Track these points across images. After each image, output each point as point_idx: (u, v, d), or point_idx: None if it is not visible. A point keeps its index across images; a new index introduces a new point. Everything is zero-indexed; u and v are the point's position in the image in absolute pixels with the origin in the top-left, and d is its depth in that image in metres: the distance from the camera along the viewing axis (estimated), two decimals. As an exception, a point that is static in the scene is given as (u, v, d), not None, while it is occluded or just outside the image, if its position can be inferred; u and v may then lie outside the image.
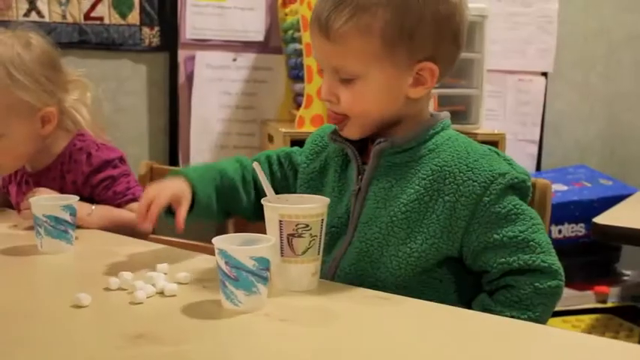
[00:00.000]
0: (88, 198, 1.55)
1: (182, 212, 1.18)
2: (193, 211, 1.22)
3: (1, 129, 1.51)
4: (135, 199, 1.56)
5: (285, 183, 1.30)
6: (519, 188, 1.13)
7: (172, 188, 1.20)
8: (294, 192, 1.28)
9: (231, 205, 1.29)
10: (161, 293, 1.06)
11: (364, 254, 1.15)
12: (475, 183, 1.10)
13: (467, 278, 1.16)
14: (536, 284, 1.09)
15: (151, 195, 1.18)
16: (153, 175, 2.12)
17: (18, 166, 1.62)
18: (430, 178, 1.13)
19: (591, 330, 2.60)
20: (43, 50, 1.54)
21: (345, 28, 1.09)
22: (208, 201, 1.23)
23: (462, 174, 1.12)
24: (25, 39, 1.53)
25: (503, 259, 1.10)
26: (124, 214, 1.54)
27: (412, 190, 1.14)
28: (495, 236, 1.10)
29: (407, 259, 1.13)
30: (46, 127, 1.56)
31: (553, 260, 1.10)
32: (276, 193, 1.16)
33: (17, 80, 1.48)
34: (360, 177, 1.19)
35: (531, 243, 1.10)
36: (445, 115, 1.21)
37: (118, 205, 1.55)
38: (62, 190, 1.52)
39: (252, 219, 1.30)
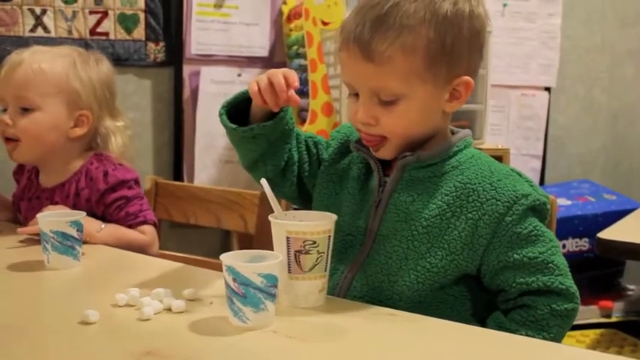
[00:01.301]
0: (100, 217, 1.55)
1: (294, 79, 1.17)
2: (276, 120, 1.21)
3: (39, 102, 1.56)
4: (146, 222, 1.58)
5: (309, 168, 1.29)
6: (540, 210, 1.14)
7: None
8: (314, 179, 1.28)
9: (284, 148, 1.27)
10: (168, 310, 1.06)
11: (382, 267, 1.16)
12: (499, 202, 1.11)
13: (482, 296, 1.17)
14: (553, 306, 1.10)
15: (280, 73, 1.16)
16: (157, 190, 2.13)
17: (30, 155, 1.61)
18: (453, 194, 1.14)
19: (596, 345, 2.59)
20: (108, 73, 1.67)
21: (391, 49, 1.09)
22: (290, 120, 1.24)
23: (485, 192, 1.13)
24: (98, 58, 1.67)
25: (522, 279, 1.11)
26: (134, 235, 1.55)
27: (434, 206, 1.14)
28: (515, 256, 1.11)
29: (425, 274, 1.13)
30: (76, 129, 1.60)
31: (570, 283, 1.12)
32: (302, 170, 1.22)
33: (78, 73, 1.60)
34: (380, 189, 1.19)
35: (550, 265, 1.11)
36: (467, 132, 1.22)
37: (129, 227, 1.56)
38: (75, 208, 1.52)
39: (286, 177, 1.29)
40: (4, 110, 1.58)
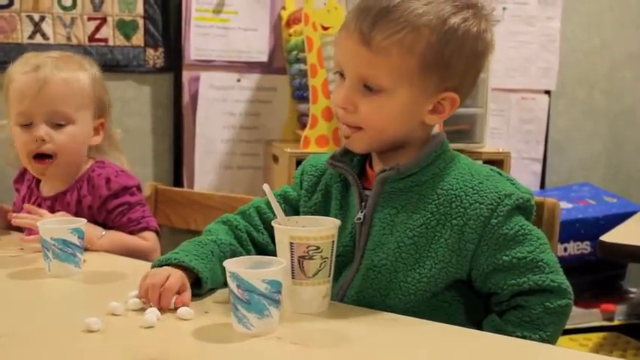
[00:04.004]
0: (101, 224, 1.55)
1: (187, 298, 1.11)
2: (201, 291, 1.15)
3: (74, 115, 1.56)
4: (148, 228, 1.57)
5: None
6: (524, 208, 1.14)
7: (177, 277, 1.11)
8: None
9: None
10: (171, 317, 1.05)
11: (372, 281, 1.15)
12: (482, 205, 1.11)
13: (475, 300, 1.16)
14: (547, 304, 1.09)
15: (158, 283, 1.10)
16: (158, 196, 2.12)
17: (63, 171, 1.59)
18: (436, 202, 1.13)
19: (599, 349, 2.58)
20: (101, 75, 1.67)
21: (389, 41, 1.09)
22: (214, 276, 1.17)
23: (468, 197, 1.12)
24: (91, 60, 1.67)
25: (513, 281, 1.10)
26: (135, 241, 1.54)
27: (419, 216, 1.13)
28: (504, 258, 1.10)
29: (416, 285, 1.12)
30: (95, 137, 1.62)
31: (562, 279, 1.11)
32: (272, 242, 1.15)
33: (97, 77, 1.62)
34: (362, 204, 1.18)
35: (540, 263, 1.10)
36: (442, 136, 1.20)
37: (131, 233, 1.56)
38: (77, 216, 1.51)
39: None
40: (28, 125, 1.54)
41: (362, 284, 1.15)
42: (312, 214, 1.24)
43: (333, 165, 1.22)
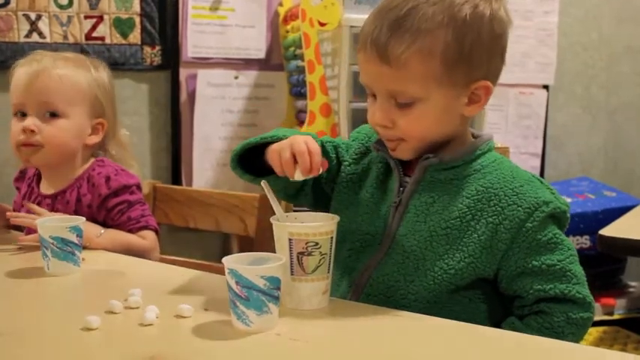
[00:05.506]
0: (101, 223, 1.55)
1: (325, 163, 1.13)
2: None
3: (66, 109, 1.56)
4: (147, 227, 1.57)
5: (327, 174, 1.27)
6: (560, 218, 1.14)
7: (314, 141, 1.12)
8: (332, 182, 1.27)
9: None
10: (170, 314, 1.05)
11: (400, 266, 1.15)
12: (520, 208, 1.11)
13: (496, 302, 1.16)
14: (569, 314, 1.10)
15: (304, 149, 1.09)
16: (156, 194, 2.13)
17: (49, 161, 1.59)
18: (474, 197, 1.14)
19: (599, 342, 2.59)
20: (110, 78, 1.68)
21: (408, 53, 1.08)
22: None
23: (507, 197, 1.12)
24: (102, 64, 1.68)
25: (540, 287, 1.11)
26: (134, 239, 1.54)
27: (455, 208, 1.14)
28: (534, 262, 1.11)
29: (442, 275, 1.13)
30: (92, 137, 1.61)
31: (587, 292, 1.12)
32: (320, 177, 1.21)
33: (98, 81, 1.61)
34: (401, 189, 1.19)
35: (568, 273, 1.11)
36: (489, 136, 1.21)
37: (130, 231, 1.55)
38: (76, 214, 1.51)
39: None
40: (23, 115, 1.56)
41: (389, 268, 1.16)
42: (347, 183, 1.25)
43: (377, 149, 1.22)
